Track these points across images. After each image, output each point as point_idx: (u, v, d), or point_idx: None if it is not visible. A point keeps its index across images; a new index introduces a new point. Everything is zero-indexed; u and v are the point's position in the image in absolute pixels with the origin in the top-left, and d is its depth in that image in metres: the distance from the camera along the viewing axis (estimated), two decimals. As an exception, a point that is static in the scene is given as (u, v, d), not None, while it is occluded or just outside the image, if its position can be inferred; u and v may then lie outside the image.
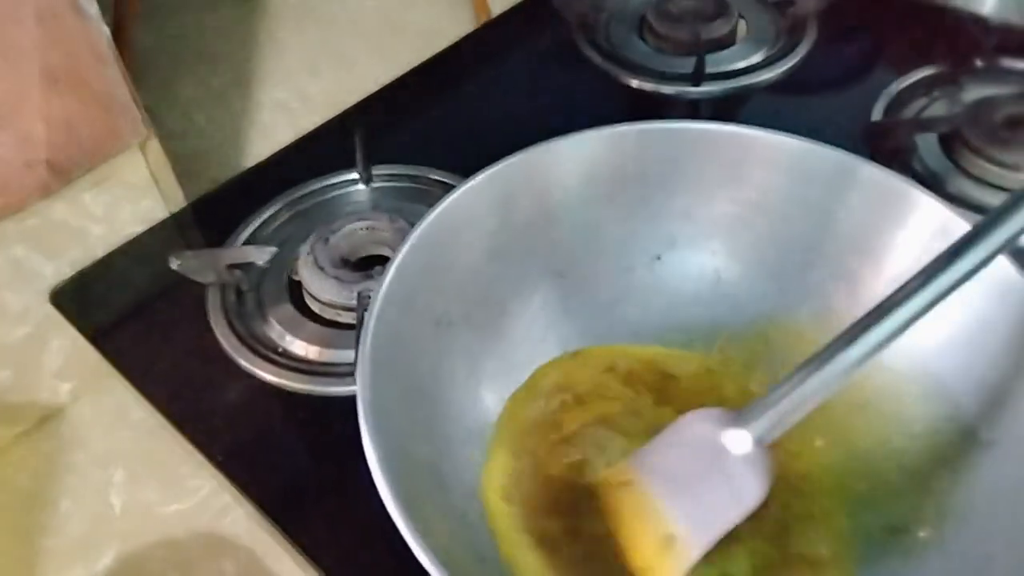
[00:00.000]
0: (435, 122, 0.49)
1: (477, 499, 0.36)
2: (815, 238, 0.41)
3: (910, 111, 0.61)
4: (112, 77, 0.52)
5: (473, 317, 0.40)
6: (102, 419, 0.60)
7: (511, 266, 0.42)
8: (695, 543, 0.33)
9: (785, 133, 0.41)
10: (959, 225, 0.37)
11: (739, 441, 0.33)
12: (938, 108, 0.61)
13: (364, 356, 0.33)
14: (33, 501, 0.56)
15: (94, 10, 0.50)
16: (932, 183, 0.56)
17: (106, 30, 0.52)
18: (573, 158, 0.42)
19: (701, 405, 0.36)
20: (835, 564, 0.35)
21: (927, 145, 0.59)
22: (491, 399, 0.40)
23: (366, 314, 0.35)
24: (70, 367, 0.59)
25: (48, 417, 0.60)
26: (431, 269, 0.38)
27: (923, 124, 0.58)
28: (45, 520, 0.55)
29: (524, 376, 0.41)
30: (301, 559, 0.45)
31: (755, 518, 0.33)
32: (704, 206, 0.44)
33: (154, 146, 0.58)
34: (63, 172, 0.53)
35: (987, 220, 0.31)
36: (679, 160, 0.42)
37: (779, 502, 0.36)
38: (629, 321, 0.44)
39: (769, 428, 0.33)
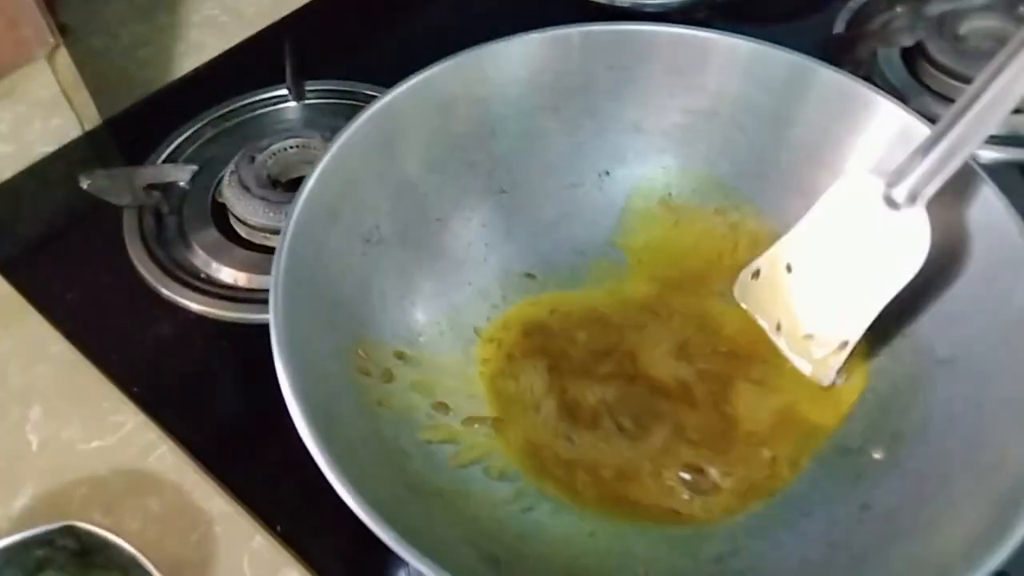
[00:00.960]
0: (372, 35, 0.45)
1: (406, 423, 0.34)
2: (771, 149, 0.39)
3: (874, 25, 0.59)
4: (10, -22, 0.48)
5: (408, 234, 0.37)
6: (19, 354, 0.56)
7: (449, 180, 0.39)
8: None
9: (739, 35, 0.38)
10: (920, 129, 0.35)
11: (897, 197, 0.33)
12: (901, 22, 0.59)
13: (278, 272, 0.30)
14: (-55, 440, 0.52)
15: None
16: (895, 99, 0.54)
17: (0, -77, 0.47)
18: (514, 63, 0.39)
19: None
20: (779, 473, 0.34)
21: (889, 60, 0.56)
22: (424, 321, 0.37)
23: (282, 227, 0.31)
24: (-18, 298, 0.55)
25: (-40, 350, 0.56)
26: (358, 181, 0.35)
27: (885, 37, 0.56)
28: (-41, 459, 0.52)
29: (461, 298, 0.38)
30: (230, 497, 0.43)
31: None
32: (655, 117, 0.41)
33: (63, 58, 0.53)
34: (-41, 84, 0.48)
35: None
36: (628, 67, 0.39)
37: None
38: (575, 240, 0.42)
39: (931, 180, 0.32)
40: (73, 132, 0.55)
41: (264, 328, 0.45)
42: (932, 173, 0.32)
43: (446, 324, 0.38)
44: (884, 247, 0.33)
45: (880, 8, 0.60)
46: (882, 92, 0.37)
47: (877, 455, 0.32)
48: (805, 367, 0.37)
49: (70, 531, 0.44)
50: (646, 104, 0.41)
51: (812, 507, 0.32)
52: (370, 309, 0.35)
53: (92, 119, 0.56)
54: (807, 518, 0.32)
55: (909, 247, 0.33)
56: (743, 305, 0.39)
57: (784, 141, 0.38)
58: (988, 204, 0.33)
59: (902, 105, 0.36)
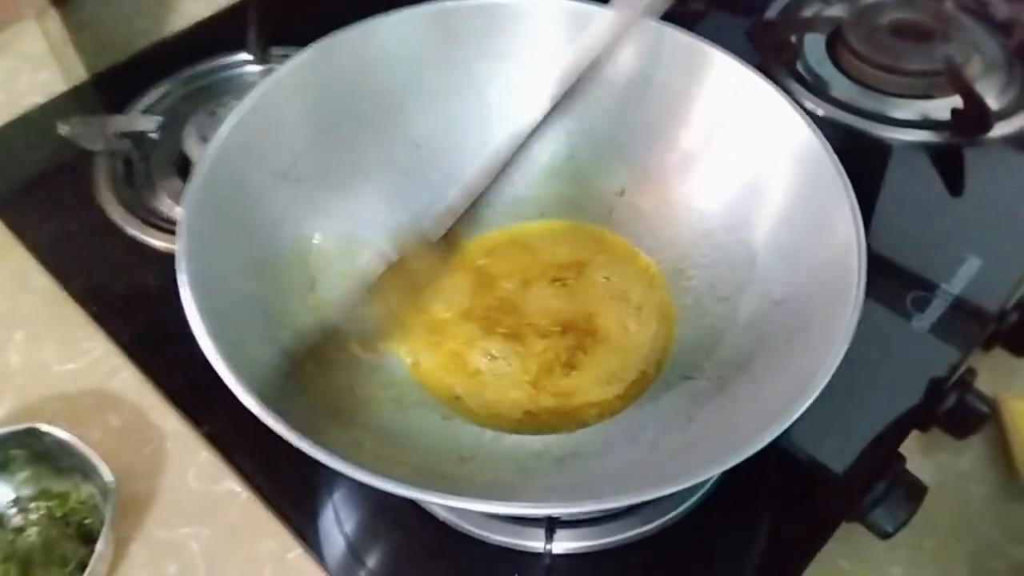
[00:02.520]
0: (333, 9, 0.50)
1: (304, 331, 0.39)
2: (635, 104, 0.43)
3: (803, 13, 0.62)
4: (2, -58, 0.53)
5: (327, 174, 0.42)
6: (3, 284, 0.62)
7: (368, 128, 0.44)
8: None
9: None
10: (755, 81, 0.39)
11: None
12: (833, 12, 0.62)
13: (191, 192, 0.35)
14: (-68, 359, 0.58)
15: None
16: (816, 85, 0.58)
17: None
18: (404, 34, 0.43)
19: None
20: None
21: (814, 48, 0.60)
22: (331, 247, 0.42)
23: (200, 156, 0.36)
24: (-27, 234, 0.61)
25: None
26: (280, 121, 0.40)
27: (806, 23, 0.59)
28: (-58, 375, 0.57)
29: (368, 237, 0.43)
30: (182, 416, 0.48)
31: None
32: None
33: (53, 18, 0.59)
34: (-46, 37, 0.54)
35: None
36: (519, 35, 0.44)
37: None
38: (487, 194, 0.46)
39: None
40: (59, 87, 0.61)
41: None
42: None
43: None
44: None
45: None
46: (719, 47, 0.41)
47: (710, 380, 0.37)
48: None
49: (32, 433, 0.49)
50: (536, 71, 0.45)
51: (649, 421, 0.37)
52: (280, 236, 0.40)
53: (78, 76, 0.62)
54: (643, 430, 0.36)
55: None
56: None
57: (646, 97, 0.43)
58: (820, 164, 0.37)
59: (739, 58, 0.40)
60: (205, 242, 0.35)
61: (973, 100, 0.52)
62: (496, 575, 0.38)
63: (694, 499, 0.39)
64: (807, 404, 0.30)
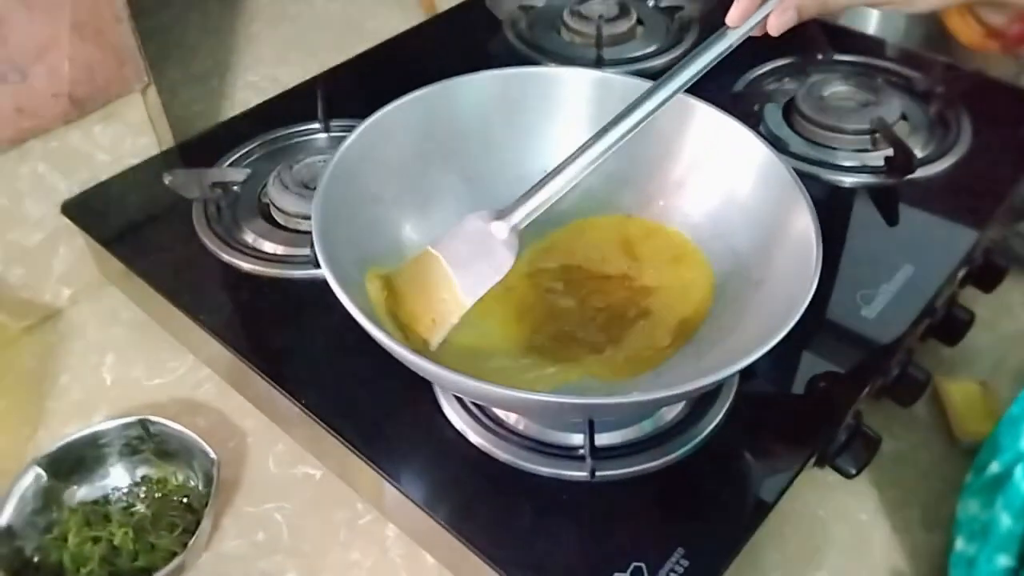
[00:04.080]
0: (386, 87, 0.62)
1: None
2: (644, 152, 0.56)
3: (764, 87, 0.77)
4: (124, 31, 0.66)
5: (401, 199, 0.54)
6: (96, 319, 0.72)
7: (433, 167, 0.56)
8: (468, 297, 0.48)
9: (602, 72, 0.58)
10: (726, 120, 0.53)
11: (499, 229, 0.49)
12: (787, 86, 0.77)
13: (317, 202, 0.47)
14: (38, 376, 0.68)
15: (113, -24, 0.64)
16: (776, 143, 0.71)
17: (121, -7, 0.65)
18: (479, 89, 0.57)
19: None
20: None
21: (773, 116, 0.74)
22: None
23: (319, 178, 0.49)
24: (72, 274, 0.71)
25: (50, 316, 0.72)
26: (369, 159, 0.52)
27: (767, 95, 0.74)
28: (47, 390, 0.67)
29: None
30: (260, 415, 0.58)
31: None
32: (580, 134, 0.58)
33: (152, 94, 0.71)
34: (81, 105, 0.66)
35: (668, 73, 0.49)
36: (550, 97, 0.57)
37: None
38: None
39: (522, 218, 0.49)
40: (154, 151, 0.73)
41: (292, 282, 0.61)
42: (527, 216, 0.49)
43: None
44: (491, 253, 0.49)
45: (773, 77, 0.79)
46: (700, 99, 0.54)
47: (711, 342, 0.49)
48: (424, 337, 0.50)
49: (143, 424, 0.59)
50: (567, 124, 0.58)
51: (664, 371, 0.48)
52: (373, 244, 0.52)
53: (169, 143, 0.74)
54: (658, 377, 0.47)
55: (507, 256, 0.49)
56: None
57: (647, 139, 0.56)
58: (779, 176, 0.50)
59: (713, 106, 0.54)
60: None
61: (901, 148, 0.66)
62: (549, 501, 0.48)
63: (697, 440, 0.50)
64: (788, 328, 0.41)
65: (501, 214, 0.49)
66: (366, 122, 0.52)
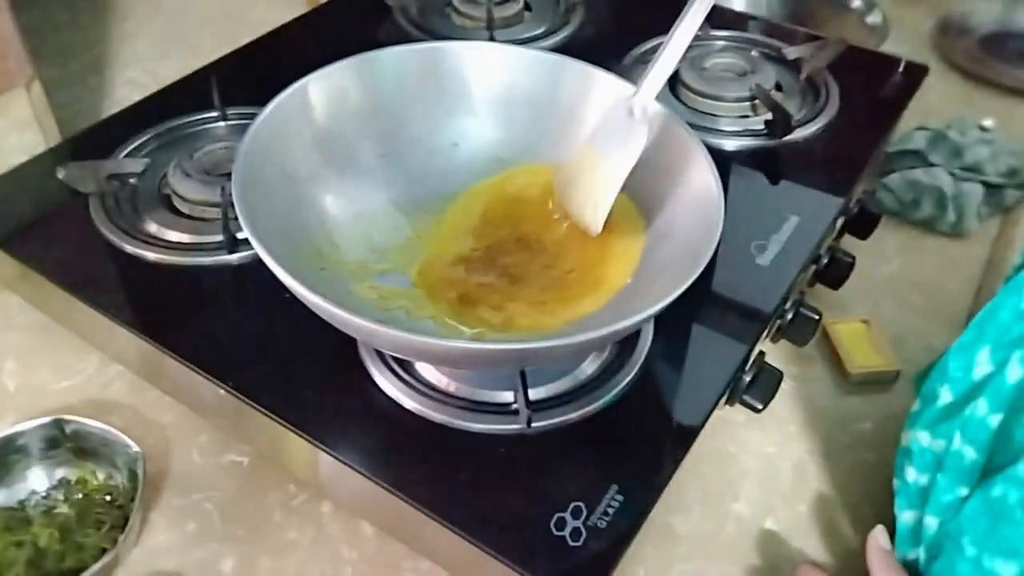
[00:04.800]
0: (280, 75, 0.62)
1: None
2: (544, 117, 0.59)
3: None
4: (5, 23, 0.63)
5: (318, 175, 0.55)
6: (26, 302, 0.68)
7: (346, 143, 0.57)
8: (619, 173, 0.53)
9: (516, 46, 0.59)
10: (629, 89, 0.56)
11: (634, 108, 0.54)
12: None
13: (237, 175, 0.47)
14: (-69, 390, 0.64)
15: (-11, -33, 0.62)
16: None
17: (-3, -16, 0.63)
18: (388, 65, 0.58)
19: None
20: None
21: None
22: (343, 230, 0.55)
23: (235, 155, 0.48)
24: (-42, 282, 0.68)
25: (-62, 328, 0.68)
26: (282, 135, 0.53)
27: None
28: (-57, 404, 0.63)
29: (352, 218, 0.56)
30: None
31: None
32: (487, 107, 0.60)
33: (37, 88, 0.69)
34: (-40, 101, 0.63)
35: None
36: (460, 73, 0.59)
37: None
38: (436, 188, 0.60)
39: (647, 92, 0.54)
40: (41, 147, 0.70)
41: (201, 268, 0.60)
42: (652, 84, 0.54)
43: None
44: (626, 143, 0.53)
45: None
46: (599, 67, 0.58)
47: (624, 293, 0.52)
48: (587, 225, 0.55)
49: (57, 424, 0.57)
50: (475, 98, 0.60)
51: (584, 322, 0.51)
52: (294, 221, 0.52)
53: (56, 138, 0.71)
54: (578, 327, 0.50)
55: (637, 142, 0.53)
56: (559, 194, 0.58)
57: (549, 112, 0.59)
58: (678, 135, 0.54)
59: (615, 75, 0.58)
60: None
61: (779, 111, 0.71)
62: (488, 455, 0.50)
63: (620, 388, 0.53)
64: (696, 274, 0.45)
65: (634, 92, 0.54)
66: (276, 99, 0.53)
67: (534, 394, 0.51)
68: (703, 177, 0.52)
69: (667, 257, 0.52)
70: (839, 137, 0.74)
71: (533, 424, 0.50)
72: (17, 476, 0.56)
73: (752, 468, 0.61)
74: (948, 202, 0.79)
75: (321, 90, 0.55)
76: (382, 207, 0.57)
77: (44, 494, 0.56)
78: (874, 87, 0.79)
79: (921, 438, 0.51)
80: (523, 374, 0.49)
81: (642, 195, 0.56)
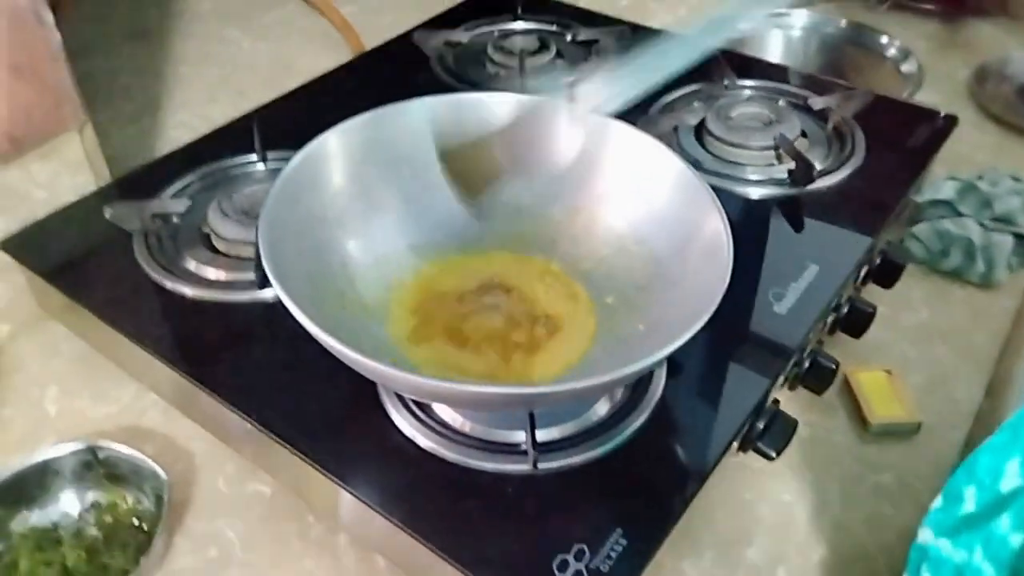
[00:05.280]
0: (320, 120, 0.65)
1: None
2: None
3: (676, 111, 0.82)
4: (61, 71, 0.68)
5: (343, 220, 0.57)
6: (36, 352, 0.72)
7: (372, 189, 0.59)
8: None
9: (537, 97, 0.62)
10: (643, 138, 0.57)
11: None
12: (697, 109, 0.83)
13: (264, 221, 0.49)
14: (-23, 412, 0.68)
15: (50, 19, 0.66)
16: (689, 160, 0.76)
17: (58, 36, 0.67)
18: (414, 115, 0.60)
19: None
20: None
21: (686, 137, 0.80)
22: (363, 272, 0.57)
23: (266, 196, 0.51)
24: (11, 310, 0.72)
25: (-12, 353, 0.72)
26: (311, 181, 0.55)
27: (680, 118, 0.79)
28: (-11, 424, 0.67)
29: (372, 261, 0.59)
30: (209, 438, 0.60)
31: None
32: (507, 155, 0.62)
33: (89, 132, 0.73)
34: (19, 144, 0.67)
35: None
36: (482, 121, 0.61)
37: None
38: (456, 234, 0.62)
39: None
40: (91, 188, 0.74)
41: (236, 305, 0.63)
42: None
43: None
44: None
45: (683, 102, 0.84)
46: (619, 120, 0.60)
47: (637, 337, 0.53)
48: None
49: (90, 450, 0.60)
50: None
51: (594, 363, 0.52)
52: (320, 260, 0.54)
53: (105, 178, 0.75)
54: (589, 369, 0.52)
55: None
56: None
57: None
58: (691, 184, 0.55)
59: (631, 126, 0.59)
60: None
61: (801, 160, 0.72)
62: (496, 495, 0.51)
63: (629, 432, 0.54)
64: (707, 316, 0.46)
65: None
66: (308, 146, 0.56)
67: (545, 435, 0.52)
68: (714, 226, 0.53)
69: (677, 304, 0.53)
70: (863, 187, 0.74)
71: (540, 465, 0.51)
72: (51, 498, 0.58)
73: (767, 515, 0.61)
74: (977, 252, 0.78)
75: (345, 141, 0.58)
76: (402, 250, 0.60)
77: (76, 516, 0.59)
78: (901, 137, 0.80)
79: (942, 546, 0.48)
80: (531, 416, 0.50)
81: (655, 242, 0.57)
